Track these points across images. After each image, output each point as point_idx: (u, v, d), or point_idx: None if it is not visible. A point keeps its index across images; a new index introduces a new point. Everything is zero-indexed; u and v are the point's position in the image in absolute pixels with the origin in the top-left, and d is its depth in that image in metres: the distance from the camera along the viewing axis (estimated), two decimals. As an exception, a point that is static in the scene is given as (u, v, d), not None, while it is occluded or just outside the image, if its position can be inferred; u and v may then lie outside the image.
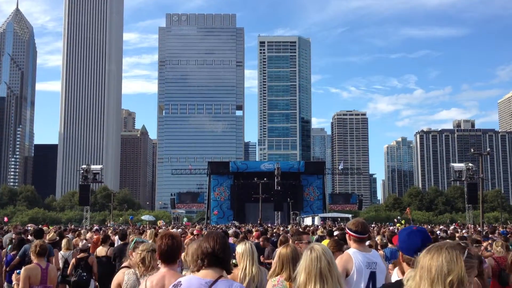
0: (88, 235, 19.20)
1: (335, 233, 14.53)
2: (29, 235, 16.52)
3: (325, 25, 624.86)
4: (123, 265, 6.13)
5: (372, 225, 42.39)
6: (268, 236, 15.34)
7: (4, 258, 11.94)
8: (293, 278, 5.13)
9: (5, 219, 66.40)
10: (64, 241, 12.89)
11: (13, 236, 16.54)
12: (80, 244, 12.14)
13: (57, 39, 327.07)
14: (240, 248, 6.06)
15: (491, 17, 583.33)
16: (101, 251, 12.86)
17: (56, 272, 8.20)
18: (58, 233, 16.26)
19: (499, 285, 9.03)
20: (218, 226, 50.97)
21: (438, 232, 24.96)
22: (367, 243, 9.73)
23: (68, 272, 11.59)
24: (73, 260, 11.68)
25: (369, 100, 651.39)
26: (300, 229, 19.59)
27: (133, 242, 6.31)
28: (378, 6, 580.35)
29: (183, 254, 7.45)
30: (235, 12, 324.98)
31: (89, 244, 13.48)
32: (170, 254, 4.75)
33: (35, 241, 9.28)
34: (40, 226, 25.47)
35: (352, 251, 5.67)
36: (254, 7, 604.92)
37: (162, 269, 4.77)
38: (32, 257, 8.10)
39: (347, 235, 5.98)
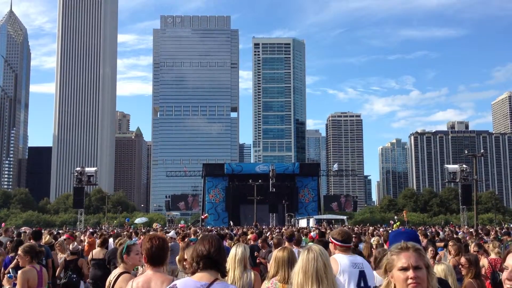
0: (81, 237, 19.07)
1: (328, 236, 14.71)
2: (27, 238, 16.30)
3: (323, 26, 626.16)
4: (118, 270, 5.93)
5: (371, 228, 42.32)
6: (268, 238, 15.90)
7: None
8: (287, 280, 5.09)
9: (2, 224, 66.01)
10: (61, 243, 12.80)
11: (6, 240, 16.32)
12: (71, 247, 12.04)
13: (54, 41, 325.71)
14: (231, 253, 6.08)
15: (489, 17, 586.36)
16: (98, 253, 12.73)
17: (47, 274, 8.06)
18: (52, 237, 16.05)
19: (491, 287, 9.06)
20: (212, 228, 50.76)
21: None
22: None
23: (57, 274, 11.49)
24: (62, 261, 11.60)
25: (366, 101, 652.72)
26: (295, 231, 19.60)
27: (125, 246, 6.16)
28: (377, 7, 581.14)
29: (177, 258, 7.34)
30: (232, 14, 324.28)
31: (80, 247, 13.36)
32: (159, 256, 4.70)
33: (27, 242, 9.12)
34: (34, 229, 25.25)
35: (337, 255, 5.70)
36: (251, 8, 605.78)
37: (149, 271, 4.69)
38: (24, 260, 7.85)
39: (331, 244, 5.92)
